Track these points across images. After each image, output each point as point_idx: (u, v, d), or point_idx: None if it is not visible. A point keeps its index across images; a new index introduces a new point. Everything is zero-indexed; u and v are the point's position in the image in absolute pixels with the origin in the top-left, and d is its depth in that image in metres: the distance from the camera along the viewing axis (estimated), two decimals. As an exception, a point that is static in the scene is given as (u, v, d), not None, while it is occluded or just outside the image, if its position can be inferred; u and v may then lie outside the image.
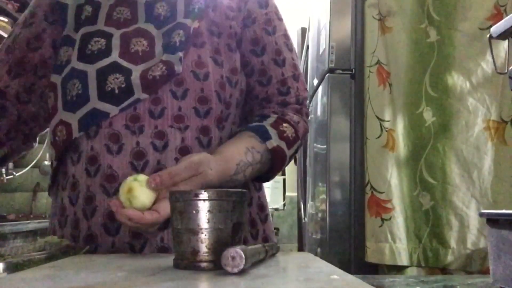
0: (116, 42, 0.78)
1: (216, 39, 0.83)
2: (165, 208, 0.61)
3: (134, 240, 0.73)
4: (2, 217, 2.62)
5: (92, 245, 0.73)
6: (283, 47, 0.88)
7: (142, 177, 0.63)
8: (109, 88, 0.75)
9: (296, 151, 0.85)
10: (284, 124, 0.82)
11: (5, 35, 2.87)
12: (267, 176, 0.84)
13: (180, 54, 0.77)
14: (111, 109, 0.75)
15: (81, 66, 0.77)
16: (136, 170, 0.73)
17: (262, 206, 0.88)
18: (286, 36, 0.90)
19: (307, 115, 0.89)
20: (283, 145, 0.80)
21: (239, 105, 0.86)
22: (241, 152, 0.75)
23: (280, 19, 0.91)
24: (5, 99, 0.86)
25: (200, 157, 0.68)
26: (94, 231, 0.74)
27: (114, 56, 0.77)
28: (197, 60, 0.79)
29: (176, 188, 0.63)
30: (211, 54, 0.81)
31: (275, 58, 0.87)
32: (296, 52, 0.93)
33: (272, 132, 0.80)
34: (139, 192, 0.61)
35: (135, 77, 0.75)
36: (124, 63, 0.76)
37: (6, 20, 3.00)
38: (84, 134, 0.76)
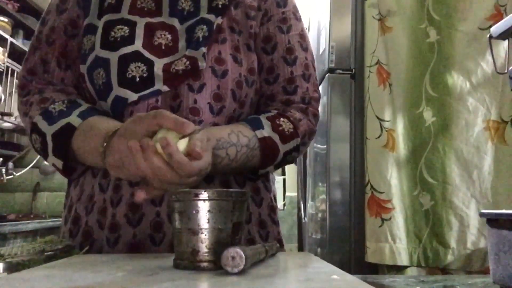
0: (139, 31, 0.78)
1: (237, 37, 0.83)
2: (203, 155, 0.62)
3: (154, 232, 0.73)
4: (2, 217, 2.62)
5: (115, 235, 0.74)
6: (296, 46, 0.87)
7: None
8: (130, 76, 0.75)
9: (296, 150, 0.82)
10: (282, 119, 0.80)
11: (5, 35, 2.87)
12: (260, 170, 0.81)
13: (204, 49, 0.77)
14: (130, 95, 0.75)
15: (103, 53, 0.77)
16: None
17: (274, 208, 0.88)
18: (302, 36, 0.89)
19: (315, 115, 0.87)
20: (275, 137, 0.78)
21: (253, 106, 0.86)
22: (224, 132, 0.74)
23: (298, 19, 0.90)
24: (74, 92, 0.84)
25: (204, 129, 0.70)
26: (118, 220, 0.74)
27: (138, 45, 0.77)
28: (217, 56, 0.79)
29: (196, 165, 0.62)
30: (231, 51, 0.81)
31: (285, 56, 0.86)
32: (313, 54, 0.91)
33: (266, 123, 0.79)
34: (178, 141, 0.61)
35: (158, 68, 0.76)
36: (147, 54, 0.76)
37: (6, 20, 3.00)
38: (116, 118, 0.76)
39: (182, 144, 0.61)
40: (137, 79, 0.75)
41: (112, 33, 0.78)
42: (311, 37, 2.53)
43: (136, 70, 0.75)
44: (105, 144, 0.66)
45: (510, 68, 0.93)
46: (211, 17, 0.81)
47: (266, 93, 0.86)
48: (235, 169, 0.77)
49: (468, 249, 1.59)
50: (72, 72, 0.83)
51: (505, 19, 0.93)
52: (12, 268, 0.55)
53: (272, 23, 0.87)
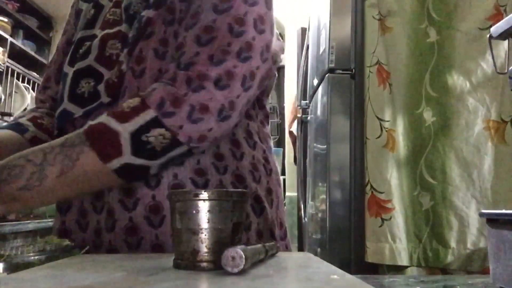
0: (95, 44, 0.78)
1: (168, 28, 0.73)
2: None
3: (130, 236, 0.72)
4: (2, 217, 2.62)
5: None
6: (206, 8, 0.70)
7: None
8: (80, 91, 0.76)
9: (155, 124, 0.64)
10: (127, 100, 0.67)
11: (5, 35, 2.87)
12: (106, 163, 0.64)
13: (125, 50, 0.74)
14: (76, 110, 0.76)
15: (67, 69, 0.81)
16: None
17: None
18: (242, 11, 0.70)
19: (190, 79, 0.65)
20: (109, 120, 0.63)
21: None
22: (19, 154, 0.63)
23: None
24: (50, 106, 0.93)
25: None
26: (68, 226, 0.77)
27: (90, 59, 0.77)
28: (138, 54, 0.73)
29: None
30: (154, 45, 0.72)
31: (187, 22, 0.72)
32: (240, 17, 0.69)
33: (102, 114, 0.66)
34: None
35: (102, 84, 0.75)
36: (97, 67, 0.77)
37: (6, 20, 3.00)
38: (59, 133, 0.78)
39: None
40: (86, 95, 0.76)
41: (80, 50, 0.80)
42: (311, 37, 2.53)
43: (86, 86, 0.76)
44: None
45: (510, 68, 0.93)
46: (145, 12, 0.75)
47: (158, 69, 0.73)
48: (67, 181, 0.63)
49: (468, 249, 1.59)
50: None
51: (505, 19, 0.93)
52: (12, 268, 0.55)
53: None
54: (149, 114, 0.63)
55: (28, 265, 0.56)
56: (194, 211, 0.51)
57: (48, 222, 2.50)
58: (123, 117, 0.63)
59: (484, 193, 1.61)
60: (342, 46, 1.88)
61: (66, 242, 0.68)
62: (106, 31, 0.79)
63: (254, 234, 0.78)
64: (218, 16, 0.69)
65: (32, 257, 0.58)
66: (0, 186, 0.60)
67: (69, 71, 0.79)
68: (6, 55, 2.89)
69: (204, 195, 0.51)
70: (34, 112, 0.91)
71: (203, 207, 0.51)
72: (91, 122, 0.65)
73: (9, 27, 3.02)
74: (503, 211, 0.65)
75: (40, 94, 0.95)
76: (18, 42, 3.13)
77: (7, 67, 2.92)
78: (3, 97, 2.84)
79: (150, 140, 0.63)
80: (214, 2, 0.70)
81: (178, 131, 0.64)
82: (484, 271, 1.47)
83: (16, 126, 0.85)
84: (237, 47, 0.68)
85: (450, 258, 1.61)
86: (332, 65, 1.87)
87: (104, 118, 0.64)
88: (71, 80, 0.78)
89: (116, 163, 0.63)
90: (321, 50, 2.09)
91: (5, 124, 0.88)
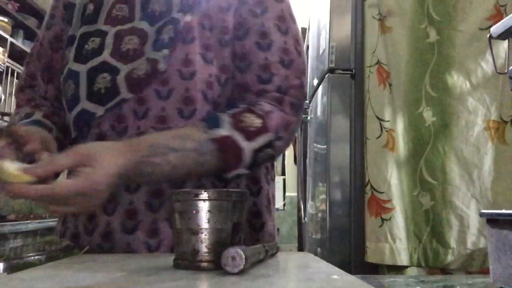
0: (109, 41, 0.77)
1: (208, 34, 0.77)
2: (61, 183, 0.57)
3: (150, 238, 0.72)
4: (2, 217, 2.62)
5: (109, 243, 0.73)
6: (272, 29, 0.78)
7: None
8: (96, 88, 0.75)
9: (270, 146, 0.73)
10: (247, 114, 0.72)
11: (5, 35, 2.87)
12: (226, 173, 0.73)
13: (166, 51, 0.74)
14: (97, 109, 0.74)
15: (75, 66, 0.77)
16: None
17: (269, 199, 0.86)
18: (281, 17, 0.79)
19: (293, 105, 0.76)
20: (236, 135, 0.70)
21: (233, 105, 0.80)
22: (162, 137, 0.69)
23: (279, 1, 0.81)
24: (49, 104, 0.87)
25: (89, 143, 0.68)
26: (79, 230, 0.74)
27: (105, 55, 0.76)
28: (184, 57, 0.75)
29: (52, 189, 0.57)
30: (200, 51, 0.75)
31: (258, 42, 0.77)
32: (298, 38, 0.80)
33: (226, 121, 0.71)
34: (8, 166, 0.57)
35: (121, 76, 0.74)
36: (114, 62, 0.75)
37: (6, 20, 3.00)
38: (79, 135, 0.77)
39: (11, 167, 0.56)
40: (103, 91, 0.74)
41: (86, 46, 0.78)
42: (311, 37, 2.53)
43: (102, 81, 0.75)
44: None
45: (510, 68, 0.93)
46: (179, 15, 0.77)
47: (239, 83, 0.78)
48: (186, 176, 0.72)
49: (468, 249, 1.59)
50: (53, 84, 0.86)
51: (505, 19, 0.93)
52: (12, 268, 0.55)
53: (245, 8, 0.79)
54: (267, 137, 0.72)
55: (28, 265, 0.56)
56: (194, 211, 0.51)
57: (48, 222, 2.50)
58: (249, 136, 0.71)
59: (484, 193, 1.61)
60: (342, 46, 1.88)
61: (66, 242, 0.68)
62: (118, 27, 0.78)
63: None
64: (285, 38, 0.79)
65: (32, 257, 0.58)
66: (137, 179, 0.66)
67: (80, 68, 0.76)
68: (6, 55, 2.89)
69: (204, 195, 0.51)
70: (38, 110, 0.83)
71: (203, 207, 0.51)
72: (221, 133, 0.69)
73: (9, 27, 3.02)
74: (503, 211, 0.65)
75: (24, 93, 0.88)
76: (18, 42, 3.13)
77: (7, 67, 2.92)
78: (3, 97, 2.84)
79: (262, 157, 0.74)
80: (276, 22, 0.79)
81: (278, 151, 0.77)
82: (484, 271, 1.47)
83: (39, 124, 0.77)
84: (304, 66, 0.80)
85: (450, 258, 1.61)
86: (332, 65, 1.87)
87: (230, 131, 0.70)
88: (87, 78, 0.75)
89: (233, 173, 0.72)
90: (321, 50, 2.09)
91: (25, 121, 0.77)
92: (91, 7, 0.82)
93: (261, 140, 0.72)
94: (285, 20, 0.80)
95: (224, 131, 0.70)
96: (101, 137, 0.74)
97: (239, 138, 0.70)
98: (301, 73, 0.79)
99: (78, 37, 0.80)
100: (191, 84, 0.74)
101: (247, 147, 0.70)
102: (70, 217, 0.77)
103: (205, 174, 0.74)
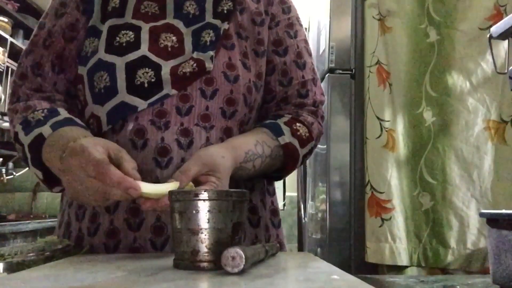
0: (145, 36, 0.78)
1: (244, 43, 0.84)
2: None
3: (156, 237, 0.72)
4: (2, 217, 2.62)
5: (114, 241, 0.72)
6: (303, 51, 0.90)
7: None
8: (139, 82, 0.74)
9: (310, 152, 0.86)
10: (298, 124, 0.83)
11: (5, 35, 2.87)
12: (280, 174, 0.85)
13: (211, 53, 0.78)
14: (140, 103, 0.74)
15: (108, 58, 0.76)
16: (160, 166, 0.72)
17: (275, 211, 0.89)
18: (306, 41, 0.92)
19: (322, 118, 0.89)
20: (295, 142, 0.81)
21: (258, 110, 0.87)
22: (251, 143, 0.76)
23: (301, 25, 0.93)
24: (62, 98, 0.81)
25: (207, 150, 0.70)
26: (116, 225, 0.73)
27: (144, 50, 0.76)
28: (228, 62, 0.80)
29: (202, 187, 0.64)
30: (240, 57, 0.82)
31: (296, 61, 0.88)
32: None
33: (285, 129, 0.81)
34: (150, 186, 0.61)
35: (166, 72, 0.75)
36: (154, 58, 0.76)
37: (6, 20, 3.00)
38: (111, 128, 0.75)
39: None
40: (146, 85, 0.74)
41: (117, 38, 0.77)
42: (311, 37, 2.54)
43: (144, 76, 0.75)
44: (64, 155, 0.63)
45: (510, 68, 0.93)
46: (217, 22, 0.82)
47: (280, 95, 0.87)
48: (253, 176, 0.80)
49: (468, 249, 1.59)
50: (65, 75, 0.81)
51: (505, 19, 0.93)
52: (12, 268, 0.55)
53: (280, 28, 0.89)
54: (311, 144, 0.86)
55: (28, 265, 0.56)
56: (194, 211, 0.51)
57: (48, 222, 2.50)
58: (303, 143, 0.83)
59: (484, 193, 1.61)
60: (342, 46, 1.88)
61: (66, 242, 0.68)
62: (152, 23, 0.79)
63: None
64: (311, 59, 0.91)
65: (32, 257, 0.58)
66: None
67: (115, 60, 0.75)
68: (6, 55, 2.89)
69: (204, 195, 0.51)
70: (53, 103, 0.79)
71: (203, 207, 0.51)
72: (286, 140, 0.81)
73: (9, 27, 3.02)
74: (503, 211, 0.65)
75: (28, 82, 0.80)
76: (18, 42, 3.13)
77: (7, 67, 2.92)
78: (3, 97, 2.84)
79: (305, 160, 0.86)
80: (305, 45, 0.91)
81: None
82: (484, 271, 1.47)
83: (77, 124, 0.74)
84: (321, 85, 0.93)
85: (450, 258, 1.61)
86: (332, 65, 1.87)
87: (291, 139, 0.81)
88: (125, 71, 0.75)
89: (287, 175, 0.87)
90: (321, 50, 2.09)
91: (57, 119, 0.72)
92: (116, 0, 0.82)
93: (308, 147, 0.84)
94: (308, 43, 0.92)
95: (286, 138, 0.81)
96: (140, 132, 0.74)
97: (297, 145, 0.82)
98: (323, 90, 0.91)
99: (107, 28, 0.79)
100: (235, 87, 0.79)
101: (301, 152, 0.83)
102: (74, 221, 0.76)
103: (264, 175, 0.83)
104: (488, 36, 0.98)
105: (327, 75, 1.90)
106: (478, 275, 0.87)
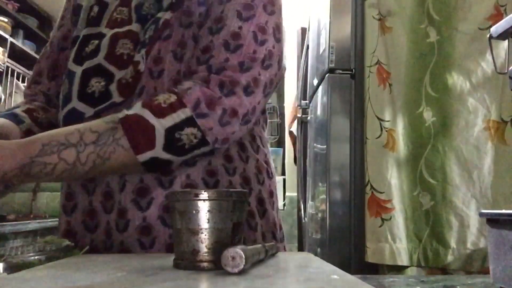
0: (105, 43, 0.78)
1: (183, 30, 0.75)
2: None
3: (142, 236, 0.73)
4: (2, 217, 2.62)
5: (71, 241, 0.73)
6: (230, 14, 0.73)
7: None
8: (90, 91, 0.76)
9: (189, 123, 0.66)
10: (161, 94, 0.68)
11: (5, 35, 2.87)
12: (137, 155, 0.66)
13: (143, 51, 0.75)
14: (87, 110, 0.75)
15: (73, 67, 0.79)
16: None
17: (272, 193, 0.85)
18: (246, 5, 0.74)
19: (223, 84, 0.68)
20: (144, 112, 0.65)
21: None
22: (60, 134, 0.64)
23: (265, 10, 0.75)
24: (51, 101, 0.90)
25: None
26: (73, 227, 0.76)
27: (100, 58, 0.76)
28: (156, 55, 0.74)
29: None
30: (172, 47, 0.74)
31: (211, 27, 0.74)
32: (264, 26, 0.74)
33: (136, 104, 0.68)
34: None
35: (114, 82, 0.75)
36: (108, 66, 0.76)
37: (6, 20, 3.00)
38: None
39: None
40: (96, 94, 0.75)
41: (86, 48, 0.79)
42: (311, 37, 2.53)
43: (96, 85, 0.75)
44: None
45: (510, 68, 0.93)
46: (161, 14, 0.77)
47: (183, 69, 0.75)
48: (99, 174, 0.68)
49: (468, 249, 1.59)
50: (56, 82, 0.89)
51: (505, 19, 0.93)
52: (12, 268, 0.55)
53: (232, 5, 0.74)
54: (184, 113, 0.66)
55: (28, 265, 0.56)
56: (194, 211, 0.51)
57: (48, 222, 2.50)
58: (160, 113, 0.65)
59: (484, 193, 1.61)
60: (342, 46, 1.88)
61: (66, 242, 0.68)
62: (115, 30, 0.78)
63: (260, 235, 0.79)
64: (243, 24, 0.72)
65: (32, 257, 0.58)
66: (29, 179, 0.63)
67: (77, 69, 0.78)
68: (6, 55, 2.89)
69: (204, 195, 0.51)
70: (28, 104, 0.88)
71: (203, 207, 0.51)
72: (127, 112, 0.66)
73: (9, 27, 3.02)
74: (503, 211, 0.65)
75: (30, 89, 0.92)
76: (18, 42, 3.13)
77: (7, 67, 2.92)
78: (3, 97, 2.84)
79: (182, 137, 0.66)
80: (238, 9, 0.74)
81: (208, 132, 0.67)
82: (484, 271, 1.47)
83: (13, 117, 0.82)
84: (262, 55, 0.72)
85: (450, 258, 1.61)
86: (332, 65, 1.87)
87: (139, 110, 0.66)
88: (81, 79, 0.77)
89: (146, 156, 0.66)
90: (321, 50, 2.09)
91: (2, 113, 0.83)
92: (95, 9, 0.83)
93: (176, 117, 0.66)
94: (252, 8, 0.74)
95: (129, 111, 0.66)
96: None
97: (147, 115, 0.65)
98: (249, 58, 0.71)
99: (80, 38, 0.81)
100: (158, 83, 0.74)
101: (158, 124, 0.65)
102: (74, 215, 0.77)
103: (121, 170, 0.69)
104: (488, 36, 0.98)
105: (327, 75, 1.90)
106: (478, 275, 0.88)
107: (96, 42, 0.78)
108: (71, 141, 0.63)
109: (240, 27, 0.72)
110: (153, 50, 0.75)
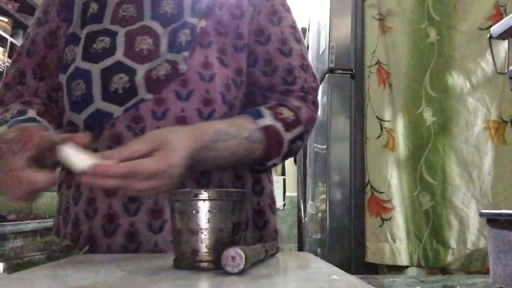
0: (120, 40, 0.77)
1: (223, 39, 0.81)
2: (143, 161, 0.57)
3: (129, 242, 0.71)
4: (2, 217, 2.62)
5: (91, 246, 0.72)
6: (289, 37, 0.85)
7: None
8: (113, 88, 0.74)
9: (300, 138, 0.79)
10: (281, 108, 0.79)
11: (5, 35, 2.87)
12: (266, 162, 0.78)
13: (185, 53, 0.76)
14: (115, 110, 0.74)
15: (85, 65, 0.76)
16: None
17: (273, 198, 0.87)
18: (293, 27, 0.87)
19: (314, 104, 0.84)
20: (278, 125, 0.75)
21: (243, 107, 0.84)
22: (223, 124, 0.71)
23: (288, 10, 0.88)
24: (41, 102, 0.83)
25: (158, 132, 0.65)
26: (94, 232, 0.73)
27: (119, 55, 0.76)
28: (204, 61, 0.77)
29: (137, 166, 0.57)
30: (217, 55, 0.79)
31: (280, 48, 0.84)
32: (305, 45, 0.89)
33: (266, 112, 0.76)
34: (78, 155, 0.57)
35: (140, 77, 0.74)
36: (129, 62, 0.75)
37: (6, 20, 3.00)
38: (93, 135, 0.73)
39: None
40: (120, 91, 0.74)
41: (94, 45, 0.77)
42: (311, 37, 2.54)
43: (118, 82, 0.74)
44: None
45: (510, 68, 0.93)
46: (194, 20, 0.79)
47: (264, 85, 0.83)
48: (235, 164, 0.74)
49: (468, 249, 1.59)
50: (45, 82, 0.83)
51: (505, 19, 0.93)
52: (12, 268, 0.55)
53: (262, 17, 0.85)
54: (300, 129, 0.79)
55: (28, 265, 0.56)
56: (194, 211, 0.51)
57: (48, 222, 2.51)
58: (287, 128, 0.76)
59: (484, 193, 1.61)
60: (342, 46, 1.88)
61: (66, 242, 0.68)
62: (128, 28, 0.78)
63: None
64: (301, 46, 0.86)
65: (32, 257, 0.58)
66: (196, 162, 0.66)
67: (91, 67, 0.75)
68: (6, 55, 2.89)
69: (204, 195, 0.51)
70: (29, 107, 0.79)
71: (203, 207, 0.51)
72: (267, 122, 0.74)
73: (9, 27, 3.02)
74: (503, 211, 0.65)
75: (10, 92, 0.84)
76: (18, 42, 3.13)
77: (7, 67, 2.92)
78: (3, 97, 2.84)
79: (294, 149, 0.79)
80: (291, 31, 0.86)
81: (304, 144, 0.83)
82: (484, 271, 1.47)
83: (36, 122, 0.74)
84: (314, 72, 0.88)
85: (450, 258, 1.61)
86: (332, 65, 1.87)
87: (273, 121, 0.75)
88: (101, 78, 0.75)
89: (271, 162, 0.78)
90: (321, 50, 2.09)
91: (19, 118, 0.74)
92: (94, 6, 0.82)
93: (295, 132, 0.78)
94: (297, 29, 0.87)
95: (268, 120, 0.75)
96: (116, 138, 0.73)
97: (280, 128, 0.75)
98: (315, 76, 0.87)
99: (84, 36, 0.79)
100: (211, 86, 0.76)
101: (286, 137, 0.76)
102: (84, 220, 0.75)
103: (249, 164, 0.78)
104: (488, 36, 0.98)
105: (327, 75, 1.90)
106: (478, 275, 0.87)
107: (107, 39, 0.77)
108: (233, 133, 0.70)
109: (300, 49, 0.86)
110: (198, 55, 0.77)
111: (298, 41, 0.86)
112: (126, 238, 0.72)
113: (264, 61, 0.83)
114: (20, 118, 0.73)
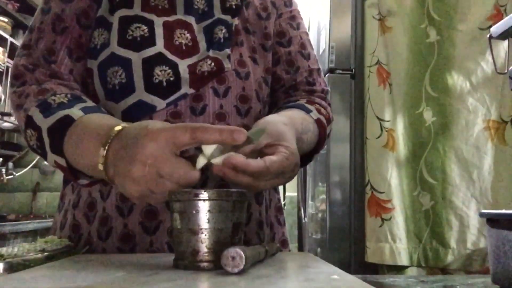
0: (159, 31, 0.74)
1: (252, 38, 0.83)
2: (271, 159, 0.56)
3: (123, 244, 0.69)
4: (2, 217, 2.62)
5: (129, 244, 0.69)
6: (307, 42, 0.91)
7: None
8: (157, 80, 0.72)
9: (328, 135, 0.85)
10: (316, 104, 0.83)
11: (5, 35, 2.87)
12: (315, 154, 0.82)
13: (228, 51, 0.77)
14: (158, 103, 0.72)
15: (122, 52, 0.72)
16: None
17: (280, 209, 0.87)
18: (307, 34, 0.93)
19: (331, 106, 0.90)
20: (323, 119, 0.81)
21: (268, 104, 0.86)
22: (296, 117, 0.75)
23: (302, 18, 0.94)
24: (75, 85, 0.74)
25: (263, 118, 0.67)
26: (131, 229, 0.70)
27: (160, 47, 0.73)
28: (239, 58, 0.79)
29: (272, 163, 0.56)
30: (249, 53, 0.81)
31: (301, 51, 0.89)
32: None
33: (311, 107, 0.80)
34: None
35: (184, 71, 0.73)
36: (170, 55, 0.73)
37: (6, 20, 3.00)
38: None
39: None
40: (164, 84, 0.72)
41: (130, 31, 0.73)
42: (311, 37, 2.54)
43: (162, 74, 0.72)
44: (106, 148, 0.57)
45: (510, 68, 0.93)
46: (227, 18, 0.81)
47: (288, 83, 0.87)
48: (303, 156, 0.77)
49: (468, 249, 1.59)
50: (82, 65, 0.75)
51: (505, 19, 0.93)
52: (12, 268, 0.55)
53: (283, 20, 0.90)
54: (331, 126, 0.85)
55: (28, 265, 0.56)
56: (194, 211, 0.51)
57: (48, 222, 2.50)
58: (327, 123, 0.82)
59: (484, 193, 1.61)
60: (342, 46, 1.88)
61: (66, 242, 0.68)
62: (164, 18, 0.75)
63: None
64: (313, 51, 0.92)
65: (32, 257, 0.58)
66: None
67: (131, 56, 0.72)
68: (6, 55, 2.89)
69: (204, 195, 0.51)
70: (72, 91, 0.71)
71: (203, 207, 0.51)
72: (317, 115, 0.79)
73: (9, 27, 3.02)
74: (503, 211, 0.65)
75: (41, 67, 0.72)
76: (18, 42, 3.13)
77: (7, 67, 2.92)
78: (3, 97, 2.83)
79: (325, 145, 0.84)
80: (307, 37, 0.91)
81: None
82: (484, 271, 1.47)
83: (97, 107, 0.69)
84: None
85: (450, 258, 1.61)
86: (332, 65, 1.87)
87: (319, 116, 0.80)
88: (143, 67, 0.72)
89: (317, 155, 0.83)
90: (321, 50, 2.09)
91: (90, 105, 0.67)
92: None
93: (329, 128, 0.85)
94: (308, 35, 0.93)
95: (314, 115, 0.79)
96: None
97: (324, 122, 0.81)
98: (326, 82, 0.92)
99: (118, 20, 0.74)
100: (247, 84, 0.78)
101: (326, 132, 0.82)
102: (84, 223, 0.73)
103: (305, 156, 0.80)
104: (488, 36, 0.98)
105: (327, 75, 1.90)
106: (478, 275, 0.87)
107: (144, 27, 0.73)
108: (306, 126, 0.74)
109: (315, 55, 0.92)
110: (235, 53, 0.79)
111: (312, 47, 0.92)
112: (121, 240, 0.70)
113: (286, 62, 0.88)
114: (86, 105, 0.67)
